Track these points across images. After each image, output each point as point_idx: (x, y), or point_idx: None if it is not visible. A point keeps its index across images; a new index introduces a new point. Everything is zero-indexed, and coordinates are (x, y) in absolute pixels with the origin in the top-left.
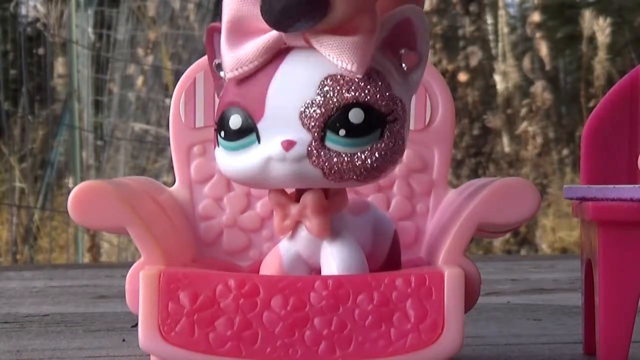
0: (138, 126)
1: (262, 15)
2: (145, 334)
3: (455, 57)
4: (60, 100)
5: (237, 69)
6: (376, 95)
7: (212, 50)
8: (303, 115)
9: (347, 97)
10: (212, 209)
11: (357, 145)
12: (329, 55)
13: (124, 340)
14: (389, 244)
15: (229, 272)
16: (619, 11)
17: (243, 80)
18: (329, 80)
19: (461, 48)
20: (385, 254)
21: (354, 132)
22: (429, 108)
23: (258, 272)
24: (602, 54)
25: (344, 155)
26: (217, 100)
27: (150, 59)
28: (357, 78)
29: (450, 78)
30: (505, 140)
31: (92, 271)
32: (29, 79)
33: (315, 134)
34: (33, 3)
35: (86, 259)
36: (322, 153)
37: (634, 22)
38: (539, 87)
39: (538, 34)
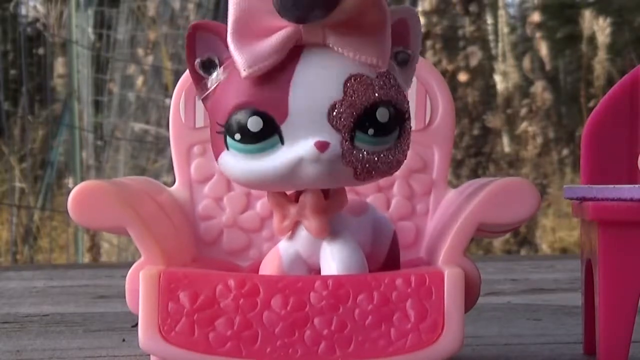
0: (138, 126)
1: (276, 8)
2: (145, 334)
3: (455, 57)
4: (60, 100)
5: (254, 65)
6: (396, 95)
7: (193, 48)
8: (331, 115)
9: (373, 96)
10: (212, 209)
11: (382, 143)
12: (350, 53)
13: (124, 340)
14: (388, 245)
15: (229, 272)
16: (619, 11)
17: (255, 80)
18: (353, 80)
19: (461, 48)
20: (385, 255)
21: (382, 130)
22: (429, 108)
23: (258, 272)
24: (602, 54)
25: (372, 154)
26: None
27: (150, 59)
28: (376, 77)
29: (450, 78)
30: (505, 140)
31: (92, 271)
32: (29, 79)
33: (346, 134)
34: (33, 3)
35: (86, 259)
36: (353, 152)
37: (634, 22)
38: (539, 87)
39: (538, 34)
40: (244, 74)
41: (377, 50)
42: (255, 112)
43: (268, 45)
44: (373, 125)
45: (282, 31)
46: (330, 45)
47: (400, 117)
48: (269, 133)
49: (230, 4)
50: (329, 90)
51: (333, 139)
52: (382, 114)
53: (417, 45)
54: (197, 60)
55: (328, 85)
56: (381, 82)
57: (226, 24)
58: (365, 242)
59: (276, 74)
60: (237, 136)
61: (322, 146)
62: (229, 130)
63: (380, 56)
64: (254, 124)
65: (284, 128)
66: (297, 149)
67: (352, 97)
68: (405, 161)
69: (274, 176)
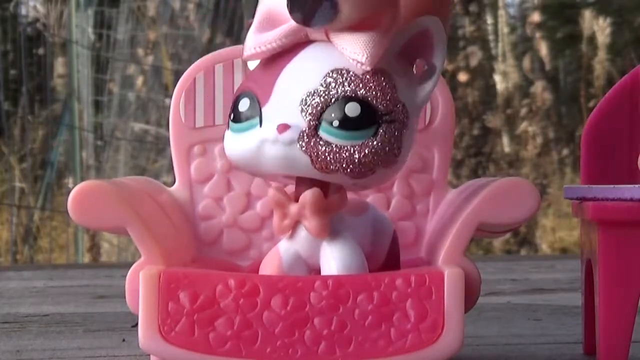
0: (138, 126)
1: (287, 9)
2: (145, 334)
3: (455, 57)
4: (60, 100)
5: (254, 48)
6: (377, 93)
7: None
8: (303, 102)
9: (347, 89)
10: (212, 209)
11: (349, 138)
12: (342, 47)
13: (124, 340)
14: (388, 244)
15: (229, 272)
16: (619, 11)
17: (260, 68)
18: (333, 73)
19: (461, 48)
20: (385, 254)
21: (348, 124)
22: (429, 108)
23: (258, 272)
24: (602, 54)
25: (333, 146)
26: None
27: (150, 59)
28: (361, 74)
29: (450, 78)
30: (505, 140)
31: (92, 271)
32: (29, 79)
33: (310, 122)
34: (33, 3)
35: (86, 259)
36: (312, 140)
37: (634, 22)
38: (539, 87)
39: (538, 34)
40: (245, 54)
41: (367, 48)
42: (247, 95)
43: (273, 33)
44: (339, 117)
45: (288, 23)
46: (332, 39)
47: (376, 116)
48: (253, 114)
49: (259, 2)
50: (308, 81)
51: (297, 124)
52: (351, 109)
53: (440, 57)
54: None
55: (309, 76)
56: (365, 79)
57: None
58: (365, 242)
59: (276, 62)
60: (232, 115)
61: (282, 128)
62: (231, 111)
63: (368, 54)
64: (243, 103)
65: (264, 111)
66: (265, 130)
67: (326, 88)
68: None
69: (247, 154)
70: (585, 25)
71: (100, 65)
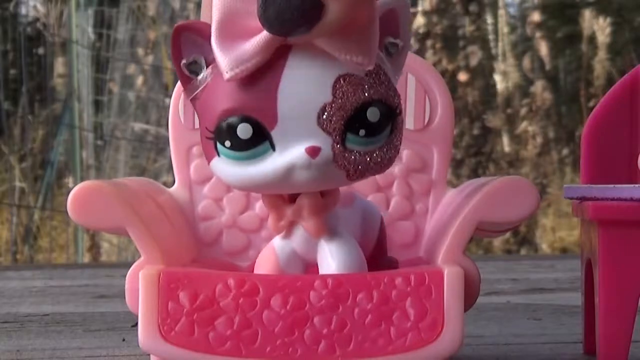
0: (138, 126)
1: (260, 22)
2: (145, 334)
3: (455, 56)
4: (60, 100)
5: (236, 67)
6: (387, 91)
7: (179, 49)
8: (321, 119)
9: (362, 96)
10: (212, 210)
11: (374, 143)
12: (336, 52)
13: (124, 340)
14: (377, 231)
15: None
16: (619, 11)
17: (243, 83)
18: (341, 81)
19: (461, 48)
20: (375, 241)
21: (373, 130)
22: (428, 108)
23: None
24: (602, 54)
25: (363, 154)
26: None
27: (150, 58)
28: (367, 76)
29: (450, 78)
30: (505, 140)
31: (92, 271)
32: (29, 78)
33: (337, 137)
34: (33, 3)
35: (86, 258)
36: (345, 155)
37: (634, 22)
38: (539, 87)
39: (538, 34)
40: (226, 76)
41: (363, 48)
42: (244, 119)
43: (251, 46)
44: (364, 126)
45: (264, 32)
46: (317, 45)
47: (391, 114)
48: (259, 140)
49: (214, 5)
50: (317, 93)
51: (324, 143)
52: (372, 114)
53: (407, 35)
54: (184, 62)
55: (316, 88)
56: (371, 80)
57: None
58: (356, 232)
59: (263, 77)
60: (227, 143)
61: (313, 152)
62: (219, 137)
63: (367, 54)
64: (244, 131)
65: (274, 134)
66: (289, 155)
67: (341, 99)
68: (404, 161)
69: (265, 182)
70: (585, 25)
71: (100, 65)
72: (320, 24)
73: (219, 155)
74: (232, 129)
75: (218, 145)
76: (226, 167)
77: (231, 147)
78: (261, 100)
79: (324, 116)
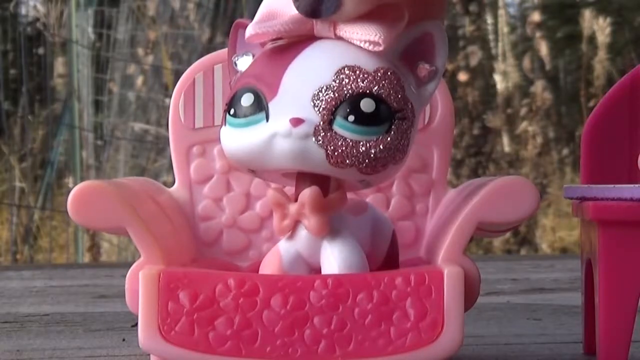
0: (138, 126)
1: (293, 3)
2: (145, 334)
3: (455, 56)
4: (60, 100)
5: (259, 29)
6: (389, 91)
7: (234, 45)
8: (315, 97)
9: (361, 85)
10: (212, 209)
11: (364, 133)
12: (353, 33)
13: (124, 339)
14: (387, 245)
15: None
16: (619, 11)
17: (262, 62)
18: (346, 69)
19: (461, 48)
20: (384, 254)
21: (363, 120)
22: (428, 108)
23: (257, 272)
24: (602, 54)
25: (349, 141)
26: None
27: (150, 58)
28: (373, 71)
29: (450, 78)
30: (505, 140)
31: (92, 271)
32: (29, 78)
33: (325, 116)
34: (33, 3)
35: (86, 258)
36: (328, 134)
37: (634, 22)
38: (539, 86)
39: (538, 34)
40: (248, 32)
41: (380, 30)
42: (250, 89)
43: (277, 20)
44: (355, 112)
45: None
46: (339, 35)
47: (390, 113)
48: (257, 109)
49: (261, 5)
50: (320, 76)
51: (310, 117)
52: (366, 104)
53: (441, 60)
54: (235, 56)
55: (320, 72)
56: (377, 77)
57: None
58: (365, 242)
59: (281, 56)
60: (232, 111)
61: (295, 121)
62: (228, 107)
63: (383, 34)
64: (246, 99)
65: (271, 105)
66: (275, 124)
67: (339, 84)
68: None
69: (254, 149)
70: (585, 25)
71: (100, 65)
72: (342, 9)
73: (225, 124)
74: (238, 98)
75: (227, 115)
76: (226, 134)
77: (234, 115)
78: (271, 74)
79: (319, 95)
